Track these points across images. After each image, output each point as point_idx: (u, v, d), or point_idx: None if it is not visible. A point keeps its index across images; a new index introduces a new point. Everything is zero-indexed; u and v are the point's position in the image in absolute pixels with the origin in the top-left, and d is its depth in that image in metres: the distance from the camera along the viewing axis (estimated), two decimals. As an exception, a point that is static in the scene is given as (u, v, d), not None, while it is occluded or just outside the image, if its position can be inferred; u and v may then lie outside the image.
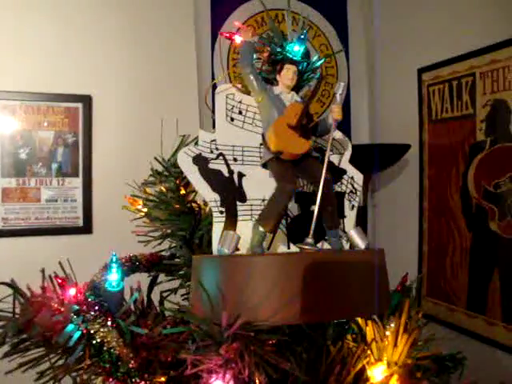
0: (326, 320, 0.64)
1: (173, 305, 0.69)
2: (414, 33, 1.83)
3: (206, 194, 0.70)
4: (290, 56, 0.73)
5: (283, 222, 0.72)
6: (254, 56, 0.73)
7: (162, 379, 0.65)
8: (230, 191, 0.71)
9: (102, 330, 0.61)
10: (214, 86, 0.76)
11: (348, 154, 0.78)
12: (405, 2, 1.90)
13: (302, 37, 0.75)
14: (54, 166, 1.62)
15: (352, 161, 0.79)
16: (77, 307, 0.62)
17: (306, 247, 0.64)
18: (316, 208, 0.65)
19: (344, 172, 0.77)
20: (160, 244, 0.84)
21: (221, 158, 0.72)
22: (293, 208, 0.74)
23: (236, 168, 0.72)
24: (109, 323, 0.62)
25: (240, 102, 0.74)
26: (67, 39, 1.63)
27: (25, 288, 0.66)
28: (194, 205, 0.80)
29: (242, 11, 1.90)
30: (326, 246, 0.70)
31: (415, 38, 1.83)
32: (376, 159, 1.71)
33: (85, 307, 0.63)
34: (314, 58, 0.77)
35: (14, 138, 1.59)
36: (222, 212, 0.69)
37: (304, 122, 0.67)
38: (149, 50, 1.72)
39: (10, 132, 1.58)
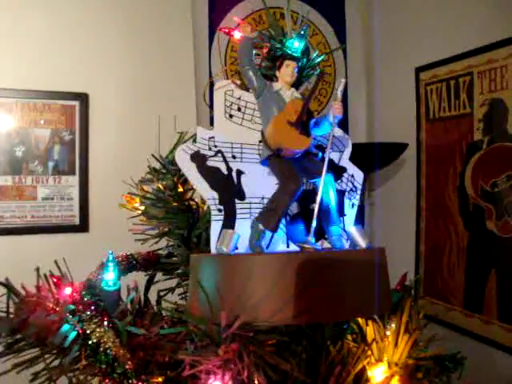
0: (326, 320, 0.63)
1: (170, 304, 0.68)
2: (412, 32, 1.83)
3: (204, 191, 0.69)
4: (290, 52, 0.72)
5: (283, 220, 0.71)
6: (254, 52, 0.72)
7: (160, 380, 0.64)
8: (229, 189, 0.70)
9: (98, 330, 0.60)
10: (212, 83, 0.75)
11: (348, 151, 0.77)
12: (402, 1, 1.89)
13: (302, 33, 0.74)
14: (51, 163, 1.61)
15: (350, 159, 0.78)
16: (72, 307, 0.61)
17: (306, 246, 0.63)
18: (316, 206, 0.64)
19: (344, 170, 0.76)
20: (157, 242, 0.83)
21: (219, 155, 0.71)
22: (292, 206, 0.73)
23: (235, 165, 0.71)
24: (105, 323, 0.61)
25: (239, 98, 0.73)
26: (64, 37, 1.62)
27: (20, 287, 0.64)
28: (191, 203, 0.79)
29: (240, 9, 1.88)
30: (326, 244, 0.70)
31: (413, 37, 1.82)
32: (373, 158, 1.70)
33: (81, 307, 0.62)
34: (314, 55, 0.76)
35: (10, 136, 1.57)
36: (220, 210, 0.68)
37: (304, 118, 0.66)
38: (146, 47, 1.71)
39: (6, 130, 1.57)
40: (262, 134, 0.69)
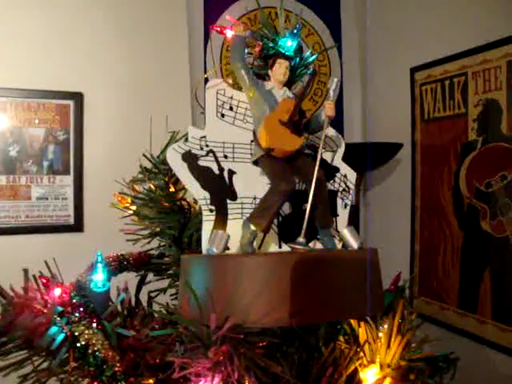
0: (318, 321, 0.63)
1: (161, 305, 0.67)
2: (407, 32, 1.83)
3: (195, 191, 0.68)
4: (283, 51, 0.71)
5: (275, 220, 0.70)
6: (246, 51, 0.71)
7: (150, 382, 0.63)
8: (220, 189, 0.69)
9: (86, 332, 0.59)
10: (206, 82, 0.75)
11: (341, 151, 0.77)
12: (398, 1, 1.89)
13: (295, 31, 0.74)
14: (45, 163, 1.61)
15: (344, 159, 0.77)
16: (60, 308, 0.60)
17: (298, 247, 0.63)
18: (308, 206, 0.63)
19: (337, 170, 0.76)
20: (149, 243, 0.82)
21: (211, 154, 0.70)
22: (284, 206, 0.72)
23: (226, 165, 0.70)
24: (94, 325, 0.60)
25: (231, 97, 0.72)
26: (58, 36, 1.61)
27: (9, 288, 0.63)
28: (183, 203, 0.78)
29: (235, 9, 1.88)
30: (319, 245, 0.69)
31: (408, 37, 1.82)
32: (368, 158, 1.70)
33: (69, 308, 0.61)
34: (307, 54, 0.75)
35: (4, 135, 1.56)
36: (211, 210, 0.68)
37: (296, 118, 0.65)
38: (141, 47, 1.70)
39: (0, 129, 1.56)
40: (254, 133, 0.68)
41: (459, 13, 1.59)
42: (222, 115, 0.72)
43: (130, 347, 0.62)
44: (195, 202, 0.78)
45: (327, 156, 0.76)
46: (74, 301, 0.62)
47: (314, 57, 0.76)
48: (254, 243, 0.65)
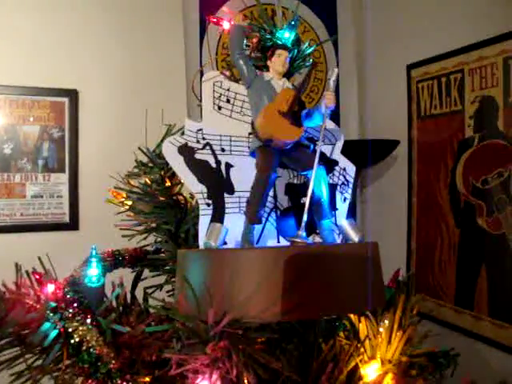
0: (317, 317, 0.62)
1: (157, 301, 0.66)
2: (403, 29, 1.83)
3: (192, 185, 0.67)
4: (281, 43, 0.70)
5: (273, 214, 0.69)
6: (244, 42, 0.70)
7: (147, 379, 0.62)
8: (218, 182, 0.68)
9: (80, 328, 0.57)
10: (202, 73, 0.73)
11: (340, 144, 0.76)
12: (394, -2, 1.89)
13: (293, 23, 0.73)
14: (40, 161, 1.59)
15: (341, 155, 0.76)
16: (53, 304, 0.58)
17: (297, 240, 0.61)
18: (307, 200, 0.62)
19: (336, 163, 0.75)
20: (145, 238, 0.81)
21: (208, 147, 0.69)
22: (283, 200, 0.71)
23: (223, 158, 0.69)
24: (88, 321, 0.59)
25: (228, 89, 0.71)
26: (53, 32, 1.59)
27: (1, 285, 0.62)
28: (179, 197, 0.77)
29: (232, 5, 1.86)
30: (318, 239, 0.68)
31: (404, 34, 1.82)
32: (365, 155, 1.69)
33: (62, 304, 0.59)
34: (305, 46, 0.74)
35: (-2, 133, 1.54)
36: (208, 204, 0.67)
37: (296, 109, 0.64)
38: (136, 42, 1.69)
39: (-5, 126, 1.54)
40: (252, 124, 0.67)
41: (455, 10, 1.59)
42: (219, 108, 0.71)
43: (125, 344, 0.61)
44: (192, 196, 0.77)
45: (326, 149, 0.75)
46: (68, 296, 0.60)
47: (311, 48, 0.75)
48: (253, 237, 0.63)
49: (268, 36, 0.73)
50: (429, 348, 0.67)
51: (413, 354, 0.64)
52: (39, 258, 0.67)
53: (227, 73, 0.72)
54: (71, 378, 0.60)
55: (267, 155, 0.63)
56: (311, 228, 0.67)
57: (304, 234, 0.62)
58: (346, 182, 0.75)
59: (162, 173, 0.76)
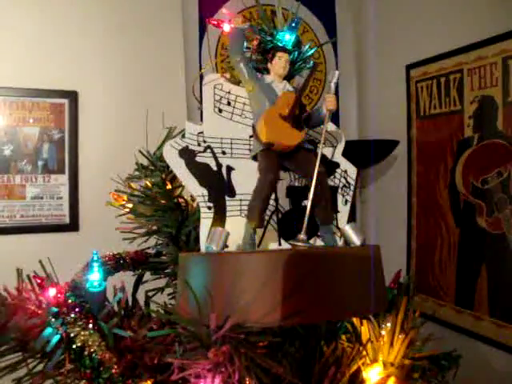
0: (320, 320, 0.62)
1: (159, 305, 0.66)
2: (403, 29, 1.83)
3: (193, 188, 0.67)
4: (281, 45, 0.70)
5: (274, 217, 0.69)
6: (245, 44, 0.70)
7: (148, 383, 0.62)
8: (219, 186, 0.68)
9: (82, 333, 0.57)
10: (202, 77, 0.73)
11: (341, 146, 0.75)
12: (392, -2, 1.89)
13: (293, 25, 0.72)
14: (40, 162, 1.60)
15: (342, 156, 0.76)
16: (55, 309, 0.58)
17: (299, 244, 0.61)
18: (309, 203, 0.62)
19: (337, 165, 0.74)
20: (146, 241, 0.81)
21: (209, 150, 0.68)
22: (284, 203, 0.71)
23: (224, 161, 0.69)
24: (90, 326, 0.59)
25: (228, 92, 0.71)
26: (52, 34, 1.59)
27: (2, 289, 0.61)
28: (180, 200, 0.77)
29: (230, 7, 1.86)
30: (319, 242, 0.68)
31: (403, 34, 1.82)
32: (365, 155, 1.69)
33: (64, 309, 0.59)
34: (306, 47, 0.74)
35: (-2, 134, 1.55)
36: (209, 207, 0.66)
37: (297, 112, 0.64)
38: (136, 44, 1.69)
39: (-6, 128, 1.54)
40: (253, 128, 0.67)
41: (454, 10, 1.59)
42: (220, 110, 0.70)
43: (127, 348, 0.61)
44: (193, 199, 0.77)
45: (327, 151, 0.75)
46: (70, 301, 0.60)
47: (312, 51, 0.75)
48: (255, 240, 0.63)
49: (269, 38, 0.72)
50: (431, 351, 0.67)
51: (415, 356, 0.64)
52: (40, 262, 0.67)
53: (227, 75, 0.72)
54: (73, 383, 0.60)
55: (270, 159, 0.63)
56: (313, 231, 0.67)
57: (306, 238, 0.62)
58: (347, 185, 0.75)
59: (163, 176, 0.76)
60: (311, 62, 0.73)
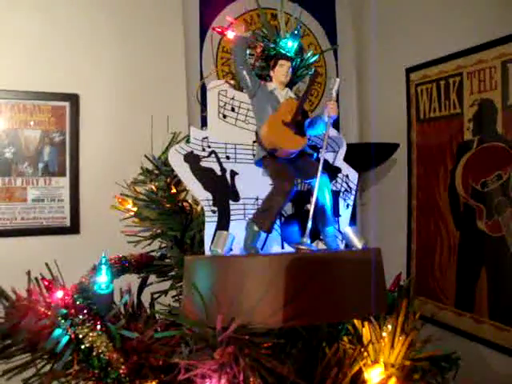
0: (322, 322, 0.63)
1: (163, 307, 0.67)
2: (402, 33, 1.83)
3: (197, 192, 0.68)
4: (284, 52, 0.71)
5: (277, 221, 0.70)
6: (247, 52, 0.71)
7: (154, 384, 0.63)
8: (223, 190, 0.69)
9: (90, 334, 0.59)
10: (203, 84, 0.75)
11: (343, 151, 0.77)
12: (393, 1, 1.90)
13: (296, 33, 0.74)
14: (41, 165, 1.60)
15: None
16: (64, 311, 0.60)
17: (302, 247, 0.63)
18: (311, 207, 0.64)
19: (339, 170, 0.76)
20: (150, 244, 0.82)
21: (213, 155, 0.70)
22: (287, 207, 0.72)
23: (229, 166, 0.70)
24: (98, 327, 0.60)
25: (233, 98, 0.72)
26: (54, 37, 1.59)
27: (10, 291, 0.63)
28: (185, 204, 0.78)
29: (231, 10, 1.87)
30: (322, 245, 0.69)
31: (403, 37, 1.83)
32: (365, 158, 1.71)
33: (73, 311, 0.60)
34: (308, 54, 0.75)
35: (0, 137, 1.55)
36: (214, 211, 0.68)
37: (299, 118, 0.65)
38: (137, 47, 1.69)
39: (-4, 131, 1.55)
40: (257, 134, 0.68)
41: (454, 13, 1.60)
42: (224, 116, 0.72)
43: (133, 349, 0.62)
44: (197, 203, 0.78)
45: (329, 156, 0.76)
46: (78, 303, 0.61)
47: (314, 58, 0.76)
48: (258, 244, 0.65)
49: (271, 45, 0.74)
50: (431, 352, 0.68)
51: (415, 357, 0.66)
52: (46, 265, 0.68)
53: (232, 81, 0.73)
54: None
55: (283, 167, 0.65)
56: (315, 235, 0.69)
57: (308, 241, 0.63)
58: (348, 189, 0.76)
59: (168, 180, 0.77)
60: (313, 69, 0.74)
